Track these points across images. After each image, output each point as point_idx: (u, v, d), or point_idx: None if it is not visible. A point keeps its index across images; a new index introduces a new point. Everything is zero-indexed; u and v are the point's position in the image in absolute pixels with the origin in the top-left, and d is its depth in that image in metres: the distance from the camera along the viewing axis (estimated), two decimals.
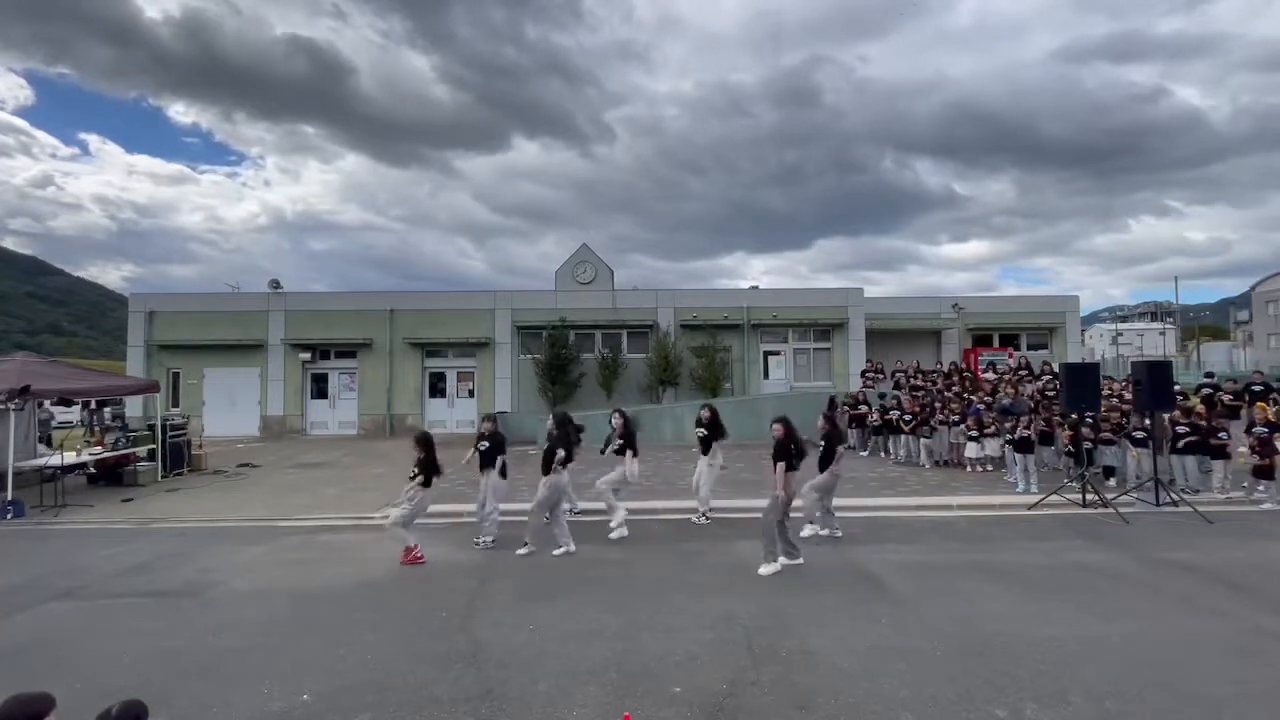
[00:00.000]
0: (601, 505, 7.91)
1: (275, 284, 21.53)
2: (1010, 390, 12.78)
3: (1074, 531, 7.66)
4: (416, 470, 6.76)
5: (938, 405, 12.54)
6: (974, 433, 11.60)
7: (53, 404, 13.40)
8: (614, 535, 7.44)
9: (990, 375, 14.83)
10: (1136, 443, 9.82)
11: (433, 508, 7.56)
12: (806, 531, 7.39)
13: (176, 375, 20.71)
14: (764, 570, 6.07)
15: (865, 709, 3.73)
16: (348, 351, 20.99)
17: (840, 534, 7.39)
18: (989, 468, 11.45)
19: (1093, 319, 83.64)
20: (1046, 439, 10.76)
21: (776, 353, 21.37)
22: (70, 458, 10.85)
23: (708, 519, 8.24)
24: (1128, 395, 10.89)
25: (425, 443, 6.87)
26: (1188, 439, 9.49)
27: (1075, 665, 4.21)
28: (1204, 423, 9.58)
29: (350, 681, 4.16)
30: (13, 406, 9.94)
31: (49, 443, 13.49)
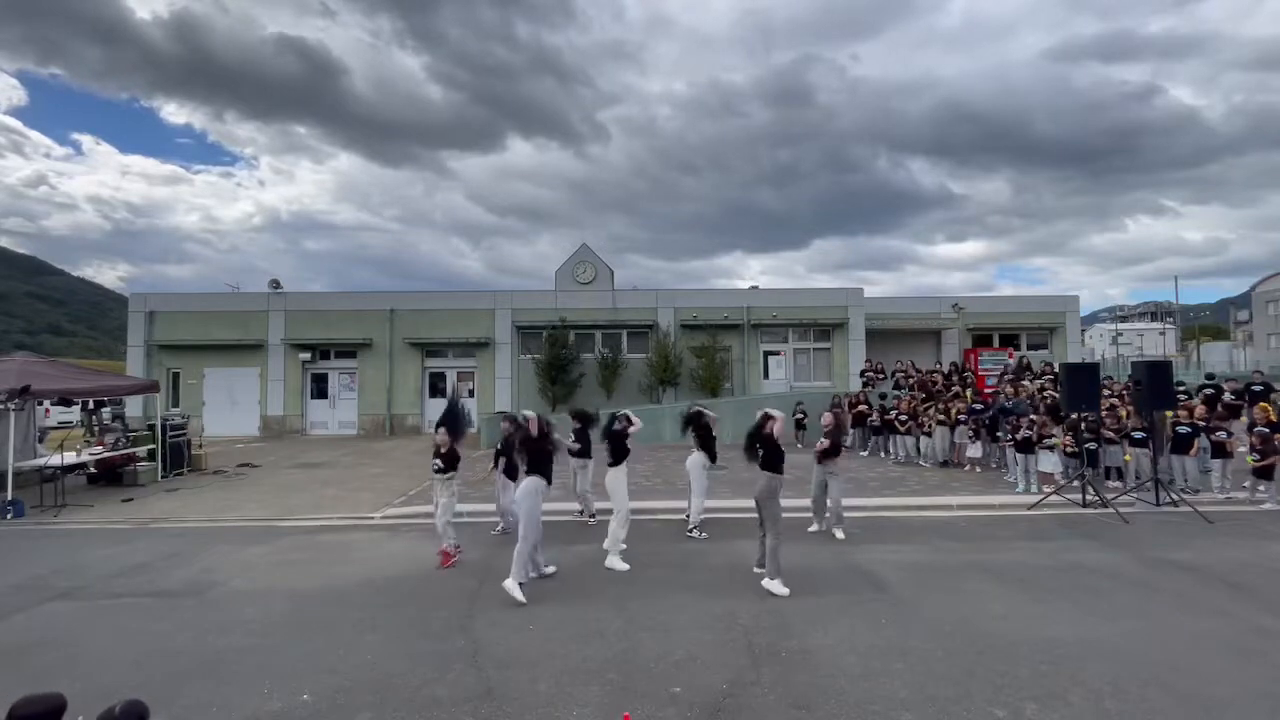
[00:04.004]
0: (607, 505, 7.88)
1: (275, 284, 21.54)
2: (1010, 390, 12.78)
3: (1074, 531, 7.66)
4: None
5: (942, 405, 12.53)
6: (973, 433, 11.63)
7: (53, 404, 13.38)
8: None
9: (1003, 383, 14.63)
10: (1135, 443, 9.81)
11: (429, 508, 7.54)
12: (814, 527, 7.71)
13: (176, 375, 20.71)
14: (782, 590, 5.62)
15: (865, 709, 3.73)
16: (348, 351, 20.99)
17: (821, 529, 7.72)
18: (978, 469, 11.52)
19: (1092, 319, 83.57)
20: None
21: (776, 353, 21.37)
22: (70, 458, 10.85)
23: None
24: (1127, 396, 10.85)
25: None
26: (1183, 435, 9.50)
27: (1075, 665, 4.21)
28: (1203, 421, 9.58)
29: (350, 681, 4.16)
30: (13, 406, 9.94)
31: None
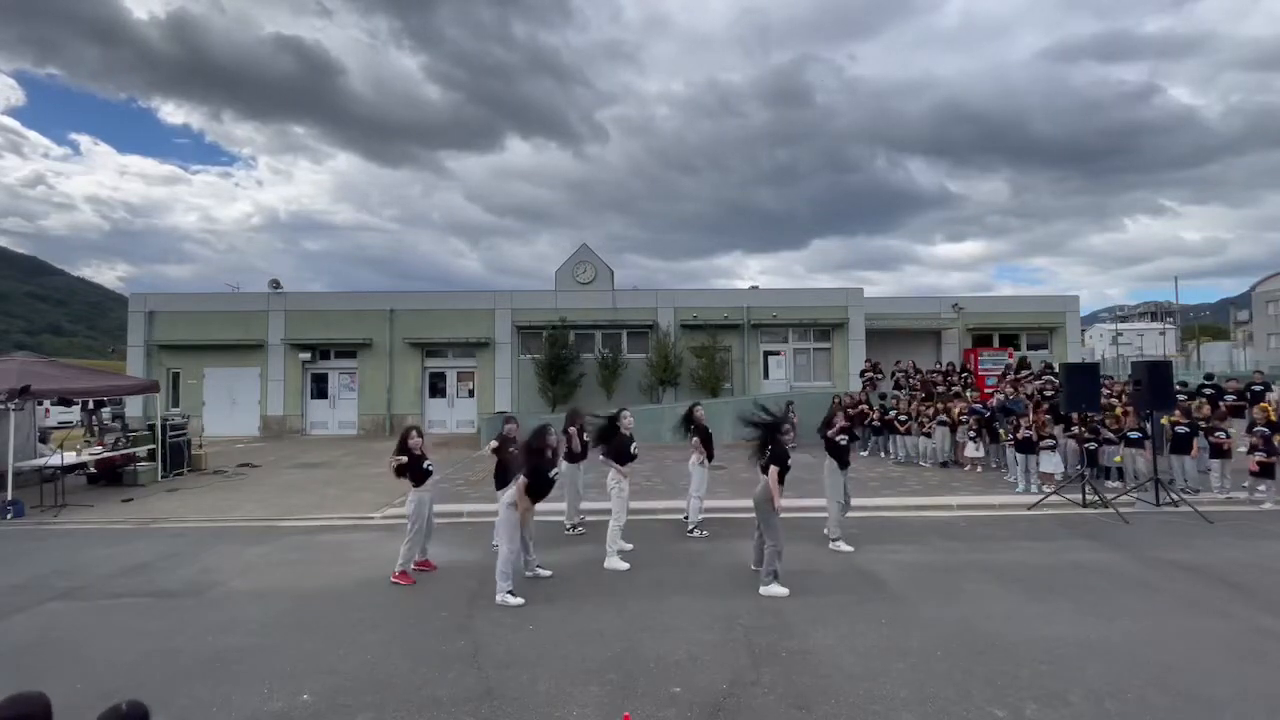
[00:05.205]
0: (605, 505, 7.82)
1: (275, 284, 21.53)
2: (1010, 390, 12.78)
3: (1074, 531, 7.66)
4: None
5: (939, 406, 12.54)
6: (974, 433, 11.63)
7: (53, 404, 13.40)
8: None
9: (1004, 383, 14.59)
10: (1130, 443, 9.81)
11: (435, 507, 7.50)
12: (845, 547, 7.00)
13: (176, 375, 20.71)
14: (779, 591, 5.58)
15: (865, 709, 3.73)
16: (348, 351, 20.98)
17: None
18: (978, 469, 11.52)
19: (1091, 319, 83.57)
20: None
21: (776, 353, 21.36)
22: (70, 458, 10.85)
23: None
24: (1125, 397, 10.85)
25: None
26: (1182, 435, 9.51)
27: (1075, 665, 4.21)
28: (1201, 420, 9.60)
29: (350, 681, 4.16)
30: (13, 406, 9.94)
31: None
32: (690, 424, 7.91)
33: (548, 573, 6.20)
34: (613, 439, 7.06)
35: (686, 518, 7.93)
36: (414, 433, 6.35)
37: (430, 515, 6.46)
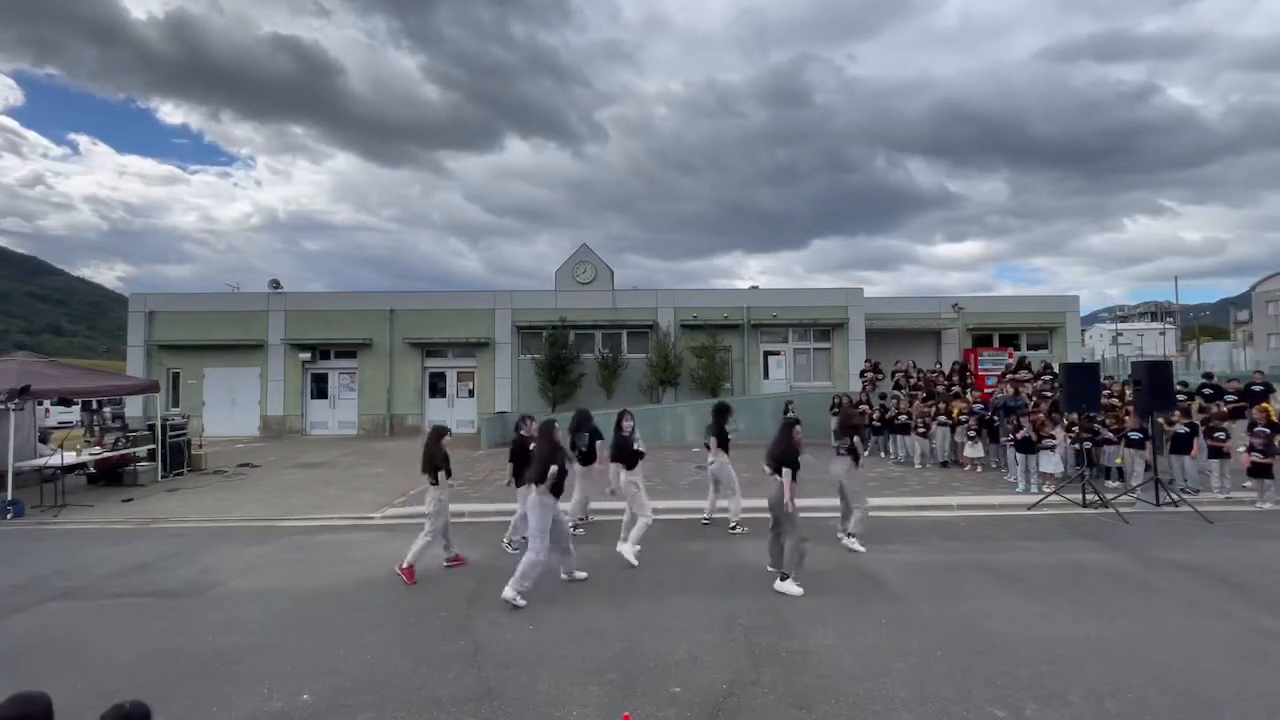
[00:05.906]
0: (608, 505, 7.83)
1: (275, 284, 21.54)
2: (1009, 389, 12.77)
3: (1074, 531, 7.66)
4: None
5: (941, 405, 12.54)
6: (973, 433, 11.62)
7: (53, 404, 13.40)
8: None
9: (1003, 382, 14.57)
10: (1131, 443, 9.80)
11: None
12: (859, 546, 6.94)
13: (176, 375, 20.71)
14: (794, 591, 5.59)
15: (865, 709, 3.73)
16: (348, 351, 20.99)
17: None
18: (978, 469, 11.51)
19: (1091, 319, 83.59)
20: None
21: (776, 353, 21.36)
22: (70, 458, 10.85)
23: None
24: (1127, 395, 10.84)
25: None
26: (1182, 435, 9.50)
27: (1075, 665, 4.21)
28: (1200, 420, 9.59)
29: (350, 681, 4.16)
30: (13, 406, 9.94)
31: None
32: (724, 419, 8.08)
33: (583, 574, 6.05)
34: (619, 444, 7.06)
35: (734, 525, 7.79)
36: (447, 435, 6.52)
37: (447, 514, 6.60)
